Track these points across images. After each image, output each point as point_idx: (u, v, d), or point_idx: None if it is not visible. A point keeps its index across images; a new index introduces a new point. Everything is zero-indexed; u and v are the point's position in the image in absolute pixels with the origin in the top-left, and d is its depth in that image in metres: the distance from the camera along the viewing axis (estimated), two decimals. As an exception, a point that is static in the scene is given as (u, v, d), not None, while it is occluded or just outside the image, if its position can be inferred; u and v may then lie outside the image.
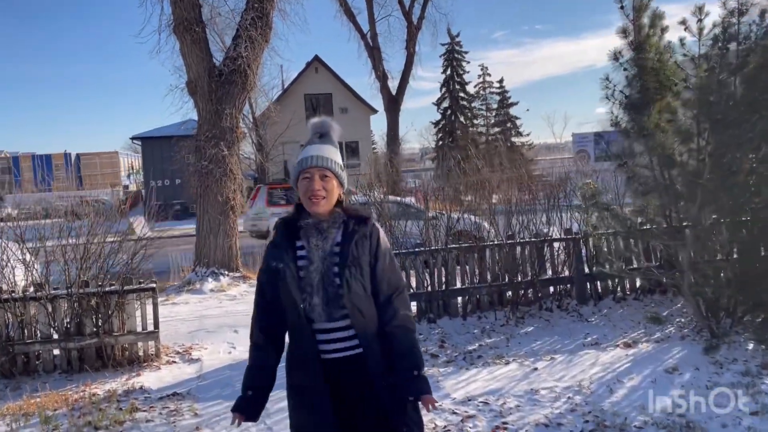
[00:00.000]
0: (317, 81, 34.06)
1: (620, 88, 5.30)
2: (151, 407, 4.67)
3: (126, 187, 46.50)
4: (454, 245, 6.75)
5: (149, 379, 5.51)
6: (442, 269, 6.71)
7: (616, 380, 4.66)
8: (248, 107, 30.55)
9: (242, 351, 6.24)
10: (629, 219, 5.28)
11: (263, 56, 11.21)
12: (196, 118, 11.02)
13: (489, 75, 46.20)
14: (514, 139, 42.78)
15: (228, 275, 10.25)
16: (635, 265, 6.90)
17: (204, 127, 10.51)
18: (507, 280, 6.88)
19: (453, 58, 44.69)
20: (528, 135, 45.29)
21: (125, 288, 5.79)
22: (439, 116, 44.75)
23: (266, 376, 2.40)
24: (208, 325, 7.51)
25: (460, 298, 6.84)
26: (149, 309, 5.97)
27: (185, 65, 10.56)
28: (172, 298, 9.36)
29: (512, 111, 45.34)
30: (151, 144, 31.13)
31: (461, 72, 45.12)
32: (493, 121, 46.47)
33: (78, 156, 48.83)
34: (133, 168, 52.46)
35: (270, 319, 2.39)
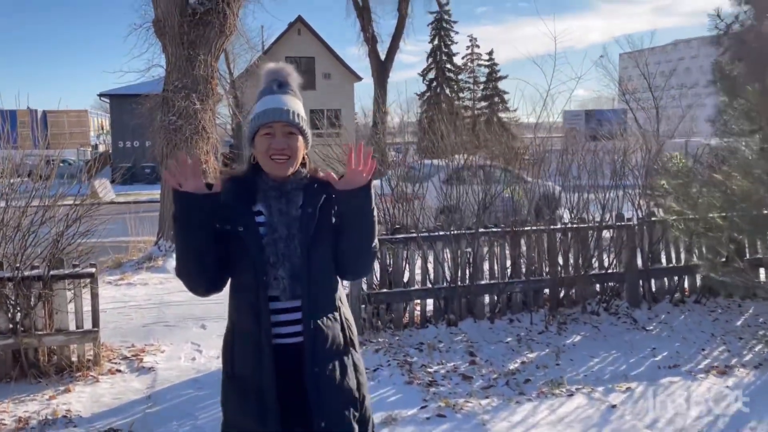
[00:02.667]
0: (300, 43, 32.22)
1: (736, 28, 3.88)
2: (72, 455, 3.23)
3: (95, 147, 44.49)
4: (483, 229, 5.35)
5: (81, 398, 4.05)
6: (468, 259, 5.34)
7: (735, 432, 3.35)
8: (225, 67, 28.67)
9: (210, 358, 4.81)
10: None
11: (246, -5, 9.54)
12: (163, 65, 9.36)
13: (478, 46, 44.61)
14: (501, 115, 41.39)
15: (197, 251, 8.73)
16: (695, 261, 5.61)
17: (173, 76, 8.88)
18: (546, 274, 5.54)
19: (441, 28, 42.96)
20: (515, 110, 43.90)
21: (52, 273, 4.28)
22: (424, 88, 43.22)
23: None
24: (169, 316, 6.05)
25: (487, 296, 5.48)
26: (86, 301, 4.48)
27: (152, 0, 8.86)
28: (128, 277, 7.85)
29: (500, 85, 43.87)
30: (120, 102, 29.16)
31: (449, 42, 43.49)
32: (480, 95, 45.00)
33: (45, 113, 46.68)
34: (102, 128, 50.33)
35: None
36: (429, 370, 4.37)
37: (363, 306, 5.12)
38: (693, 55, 46.91)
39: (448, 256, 5.37)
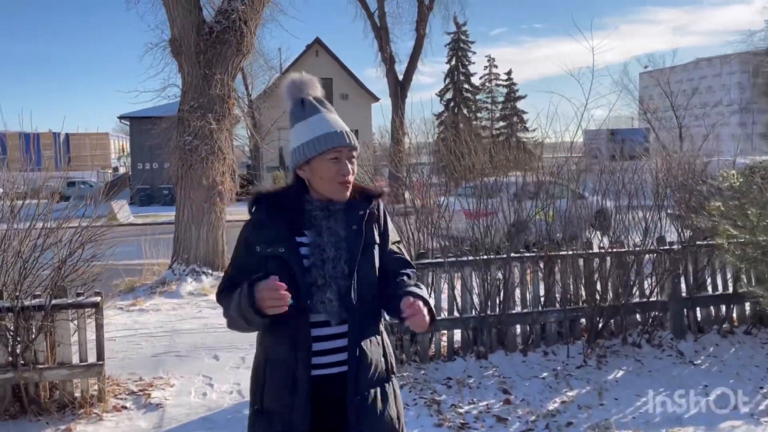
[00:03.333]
0: (317, 65, 32.24)
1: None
2: None
3: (116, 169, 45.05)
4: (516, 254, 4.98)
5: (82, 439, 3.74)
6: (499, 286, 4.97)
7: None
8: (243, 88, 28.72)
9: (222, 393, 4.48)
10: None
11: (263, 13, 9.36)
12: (179, 84, 9.17)
13: (496, 66, 44.43)
14: (520, 135, 40.98)
15: (211, 275, 8.45)
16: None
17: (189, 95, 8.69)
18: (583, 303, 5.15)
19: (458, 48, 42.93)
20: (534, 131, 43.47)
21: (54, 303, 3.99)
22: (441, 108, 43.03)
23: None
24: (181, 345, 5.73)
25: (519, 327, 5.10)
26: (91, 332, 4.19)
27: (168, 19, 8.71)
28: (140, 302, 7.56)
29: (519, 105, 43.54)
30: (139, 124, 29.24)
31: (466, 63, 43.41)
32: (498, 114, 44.70)
33: (67, 136, 47.42)
34: (123, 150, 51.01)
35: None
36: (459, 410, 3.99)
37: (386, 337, 4.77)
38: (715, 73, 46.28)
39: (477, 282, 5.01)
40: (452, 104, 43.44)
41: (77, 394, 4.19)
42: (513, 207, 5.15)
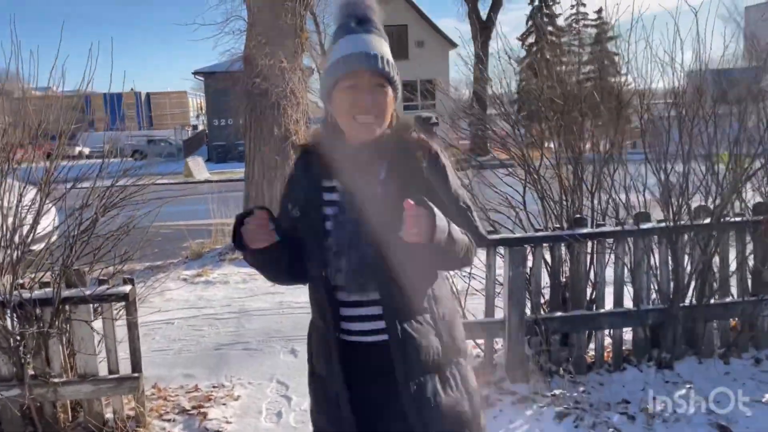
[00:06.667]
0: (391, 11, 30.26)
1: None
2: None
3: (195, 127, 45.83)
4: (726, 219, 3.40)
5: (106, 493, 2.59)
6: (693, 265, 3.43)
7: None
8: (315, 37, 27.40)
9: (303, 413, 3.24)
10: None
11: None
12: (245, 17, 7.88)
13: (584, 5, 40.94)
14: (611, 79, 37.77)
15: (287, 239, 7.29)
16: None
17: (256, 29, 7.38)
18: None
19: (542, -16, 39.71)
20: (626, 75, 39.94)
21: (65, 294, 2.80)
22: (522, 54, 40.26)
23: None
24: (250, 332, 4.57)
25: (716, 323, 3.56)
26: (121, 332, 3.01)
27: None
28: (207, 272, 6.49)
29: (610, 47, 40.16)
30: (214, 79, 28.66)
31: (550, 2, 40.22)
32: (585, 58, 41.46)
33: (148, 95, 48.52)
34: (201, 108, 52.05)
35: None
36: (668, 468, 2.56)
37: (527, 337, 3.37)
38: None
39: (658, 259, 3.48)
40: (535, 49, 40.59)
41: (108, 416, 3.06)
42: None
